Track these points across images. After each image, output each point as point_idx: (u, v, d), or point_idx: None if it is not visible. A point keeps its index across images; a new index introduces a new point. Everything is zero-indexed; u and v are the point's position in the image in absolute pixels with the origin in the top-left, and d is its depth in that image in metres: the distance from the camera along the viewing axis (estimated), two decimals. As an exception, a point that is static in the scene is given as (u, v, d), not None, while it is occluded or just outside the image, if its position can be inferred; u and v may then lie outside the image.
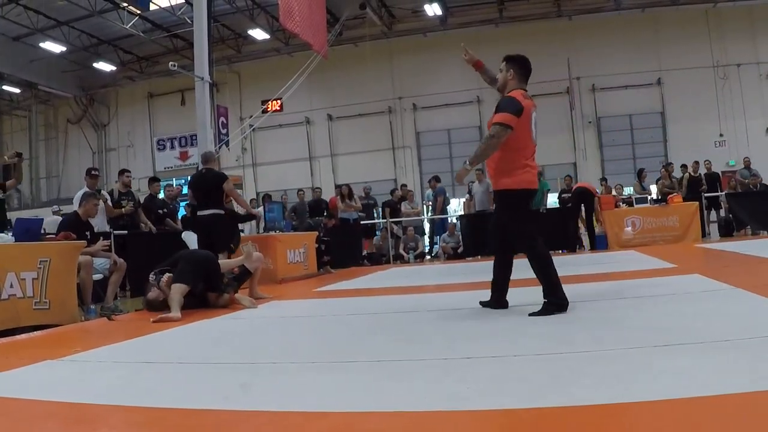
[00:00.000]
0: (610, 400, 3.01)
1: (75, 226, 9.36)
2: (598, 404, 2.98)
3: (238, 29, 28.22)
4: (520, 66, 6.81)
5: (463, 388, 3.47)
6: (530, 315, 5.96)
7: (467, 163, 6.30)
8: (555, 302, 6.05)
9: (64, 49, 27.86)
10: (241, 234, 13.11)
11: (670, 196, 17.71)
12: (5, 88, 32.27)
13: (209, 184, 11.07)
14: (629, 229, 17.18)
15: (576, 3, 26.44)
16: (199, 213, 11.06)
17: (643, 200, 18.22)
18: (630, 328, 5.04)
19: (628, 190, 20.58)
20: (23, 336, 7.10)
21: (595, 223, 18.05)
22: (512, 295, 6.69)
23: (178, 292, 7.80)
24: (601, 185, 20.86)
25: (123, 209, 12.99)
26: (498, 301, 6.61)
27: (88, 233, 9.51)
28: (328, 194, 24.20)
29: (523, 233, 6.36)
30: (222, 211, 11.14)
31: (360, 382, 3.90)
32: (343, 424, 3.07)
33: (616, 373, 3.54)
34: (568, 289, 6.12)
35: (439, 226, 20.14)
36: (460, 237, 19.07)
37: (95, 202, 10.20)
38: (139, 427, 3.31)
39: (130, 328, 7.37)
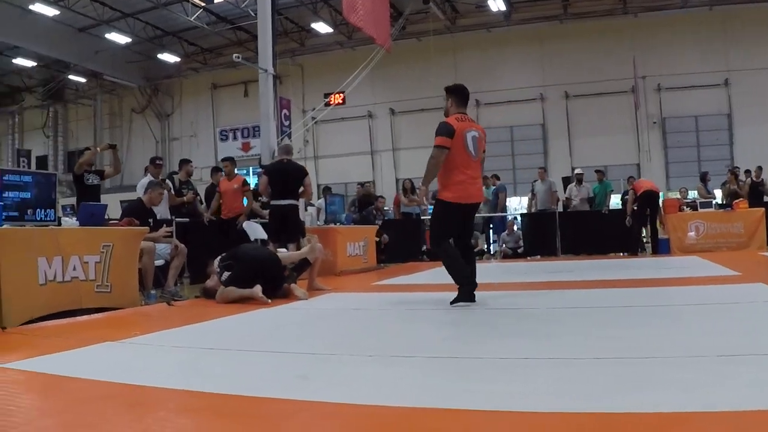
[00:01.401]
0: (673, 409, 2.91)
1: (139, 213, 9.46)
2: (661, 412, 2.88)
3: (301, 22, 28.41)
4: (456, 94, 7.73)
5: (522, 389, 3.40)
6: (451, 303, 7.11)
7: (421, 184, 7.65)
8: (459, 296, 7.13)
9: (129, 40, 28.37)
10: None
11: (736, 201, 17.27)
12: (71, 77, 33.00)
13: (291, 176, 11.25)
14: (692, 233, 16.76)
15: (642, 0, 26.04)
16: (275, 202, 11.17)
17: (708, 204, 17.77)
18: (693, 335, 4.95)
19: (692, 194, 20.16)
20: (84, 317, 7.19)
21: (658, 226, 17.70)
22: (573, 296, 6.61)
23: (234, 292, 8.11)
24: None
25: (185, 198, 13.10)
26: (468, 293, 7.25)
27: (151, 220, 9.61)
28: (388, 188, 24.23)
29: (437, 238, 7.72)
30: (297, 202, 11.32)
31: (418, 377, 3.86)
32: (401, 419, 3.03)
33: (679, 381, 3.42)
34: (629, 292, 6.07)
35: (499, 224, 19.95)
36: (520, 236, 18.90)
37: (160, 191, 10.32)
38: (196, 411, 3.30)
39: (190, 314, 7.44)
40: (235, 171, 13.85)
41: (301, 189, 11.28)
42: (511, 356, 4.31)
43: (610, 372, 3.74)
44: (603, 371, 3.77)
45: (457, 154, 7.27)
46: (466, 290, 7.14)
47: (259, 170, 13.42)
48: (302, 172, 11.39)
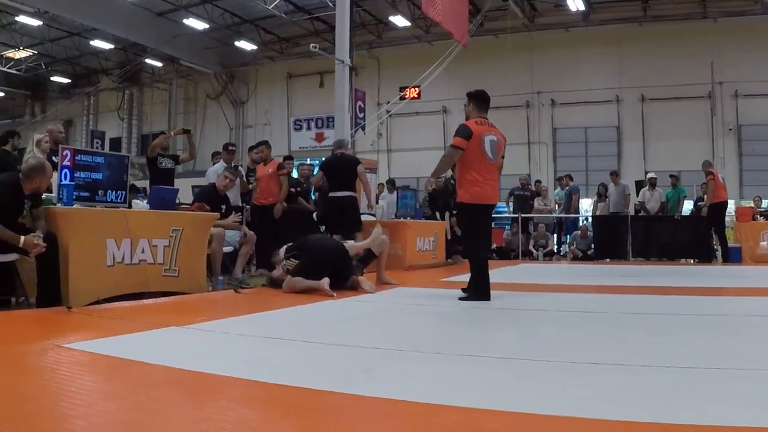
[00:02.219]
0: (737, 423, 2.80)
1: (211, 198, 9.50)
2: (731, 426, 2.76)
3: (379, 15, 28.33)
4: (477, 99, 8.27)
5: (587, 395, 3.34)
6: (459, 299, 7.71)
7: (430, 175, 7.95)
8: (472, 296, 7.68)
9: (206, 26, 28.58)
10: (373, 218, 13.13)
11: (810, 211, 16.83)
12: (148, 61, 33.45)
13: (347, 168, 11.49)
14: (765, 243, 16.36)
15: (722, 5, 25.38)
16: (332, 194, 11.25)
17: (783, 214, 17.33)
18: (761, 347, 4.77)
19: (767, 203, 19.68)
20: (150, 301, 7.27)
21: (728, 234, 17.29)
22: (642, 302, 6.49)
23: (301, 282, 8.12)
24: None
25: (250, 185, 13.08)
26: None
27: (223, 207, 9.63)
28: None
29: (468, 240, 8.28)
30: (354, 194, 11.40)
31: (484, 377, 3.81)
32: (464, 419, 2.96)
33: (750, 394, 3.31)
34: (698, 300, 6.04)
35: (570, 225, 19.73)
36: (593, 239, 18.64)
37: (233, 178, 10.33)
38: (257, 401, 3.30)
39: (256, 303, 7.49)
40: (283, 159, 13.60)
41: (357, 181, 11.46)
42: (579, 360, 4.22)
43: (675, 381, 3.67)
44: (669, 380, 3.70)
45: (473, 155, 7.73)
46: (480, 298, 7.57)
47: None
48: (355, 163, 11.67)
